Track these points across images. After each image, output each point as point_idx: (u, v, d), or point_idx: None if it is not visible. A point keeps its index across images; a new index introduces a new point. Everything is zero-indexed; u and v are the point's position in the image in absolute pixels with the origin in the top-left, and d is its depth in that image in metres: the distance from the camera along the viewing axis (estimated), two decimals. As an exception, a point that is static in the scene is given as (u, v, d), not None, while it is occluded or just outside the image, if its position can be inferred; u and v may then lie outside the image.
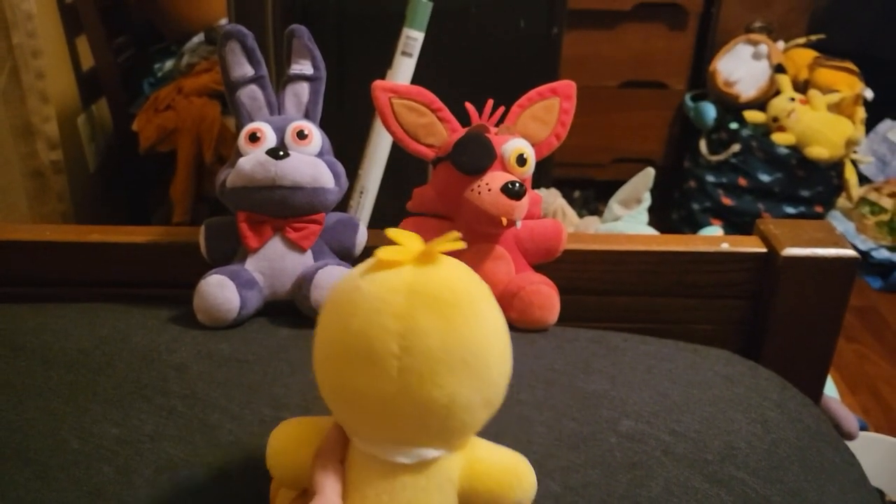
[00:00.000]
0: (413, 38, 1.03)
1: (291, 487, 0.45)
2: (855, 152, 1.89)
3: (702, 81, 2.01)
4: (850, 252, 0.71)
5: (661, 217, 2.06)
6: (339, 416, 0.41)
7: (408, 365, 0.36)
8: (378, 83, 0.72)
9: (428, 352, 0.36)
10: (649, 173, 1.07)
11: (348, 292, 0.38)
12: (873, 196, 1.98)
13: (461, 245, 0.39)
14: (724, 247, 0.75)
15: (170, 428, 0.57)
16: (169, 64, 1.71)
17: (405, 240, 0.39)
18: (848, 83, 1.90)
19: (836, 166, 1.87)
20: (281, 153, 0.68)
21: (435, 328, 0.36)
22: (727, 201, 1.92)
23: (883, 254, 1.86)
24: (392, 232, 0.39)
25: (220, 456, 0.55)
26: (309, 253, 0.70)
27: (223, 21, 1.64)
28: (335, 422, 0.42)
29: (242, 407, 0.59)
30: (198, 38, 1.66)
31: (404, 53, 1.04)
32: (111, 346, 0.65)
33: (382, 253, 0.38)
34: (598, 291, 0.76)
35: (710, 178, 1.93)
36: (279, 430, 0.44)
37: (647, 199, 1.08)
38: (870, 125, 2.02)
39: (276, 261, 0.70)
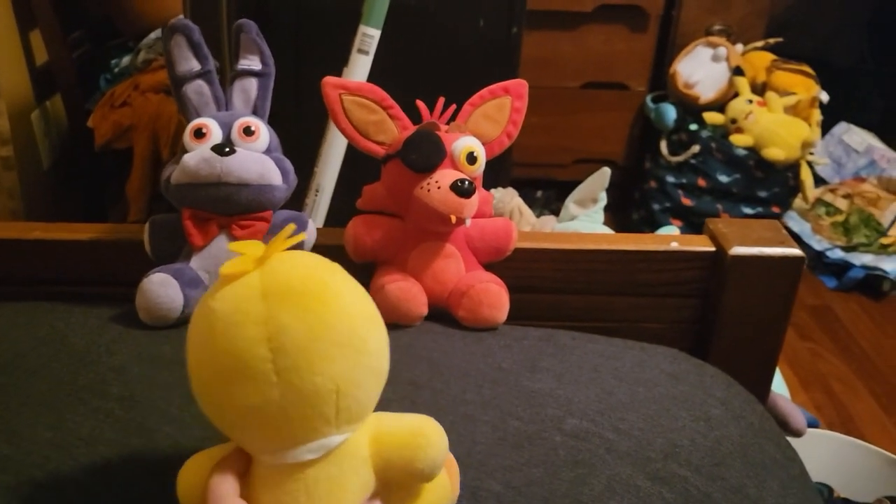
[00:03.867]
0: (369, 35, 1.03)
1: None
2: (811, 154, 1.92)
3: (662, 83, 2.03)
4: (797, 251, 0.72)
5: (621, 217, 2.07)
6: (234, 436, 0.40)
7: (283, 365, 0.36)
8: (328, 79, 0.72)
9: (298, 345, 0.37)
10: (605, 173, 1.07)
11: (204, 317, 0.38)
12: (829, 197, 2.01)
13: (300, 237, 0.40)
14: (674, 246, 0.75)
15: (106, 431, 0.56)
16: (125, 60, 1.68)
17: (245, 248, 0.39)
18: (804, 86, 1.93)
19: (793, 168, 1.90)
20: (227, 149, 0.67)
21: (297, 320, 0.37)
22: (687, 202, 1.94)
23: (837, 254, 1.89)
24: (232, 245, 0.40)
25: (158, 459, 0.54)
26: (255, 251, 0.69)
27: (181, 17, 1.61)
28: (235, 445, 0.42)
29: (183, 410, 0.58)
30: (155, 34, 1.63)
31: (360, 51, 1.03)
32: (48, 347, 0.64)
33: (225, 268, 0.38)
34: (549, 290, 0.76)
35: (670, 179, 1.95)
36: (186, 468, 0.43)
37: (602, 199, 1.09)
38: (825, 128, 2.05)
39: (221, 259, 0.69)
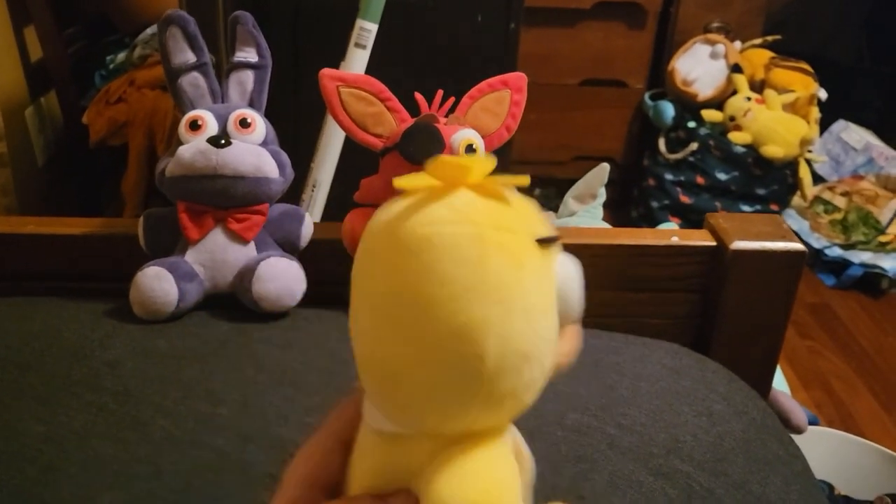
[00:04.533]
0: (367, 29, 1.02)
1: None
2: (809, 151, 1.91)
3: (661, 80, 2.03)
4: (798, 245, 0.71)
5: (620, 214, 2.07)
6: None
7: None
8: (326, 71, 0.71)
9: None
10: (604, 169, 1.07)
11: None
12: (827, 195, 2.01)
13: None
14: (674, 240, 0.74)
15: (99, 425, 0.55)
16: (121, 56, 1.67)
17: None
18: (803, 83, 1.92)
19: (791, 165, 1.89)
20: (222, 141, 0.66)
21: None
22: (685, 199, 1.93)
23: (836, 252, 1.89)
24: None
25: (152, 452, 0.53)
26: (252, 244, 0.68)
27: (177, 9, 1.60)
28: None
29: (177, 403, 0.57)
30: (151, 30, 1.62)
31: (358, 45, 1.02)
32: (41, 342, 0.63)
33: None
34: (549, 285, 0.75)
35: (669, 177, 1.94)
36: None
37: (601, 195, 1.08)
38: (824, 125, 2.05)
39: (217, 252, 0.68)
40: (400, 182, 0.31)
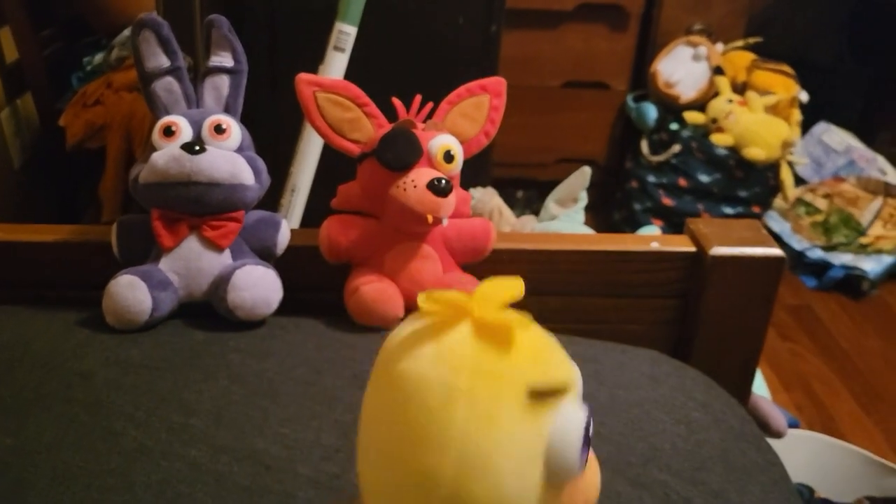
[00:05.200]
0: (346, 32, 1.01)
1: None
2: (791, 154, 1.92)
3: (643, 82, 2.03)
4: (777, 251, 0.71)
5: (602, 217, 2.07)
6: None
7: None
8: (302, 76, 0.70)
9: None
10: (585, 172, 1.06)
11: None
12: (808, 197, 2.02)
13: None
14: (654, 246, 0.74)
15: (70, 437, 0.54)
16: (98, 57, 1.65)
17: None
18: (784, 86, 1.93)
19: (773, 167, 1.90)
20: (197, 148, 0.65)
21: None
22: (667, 202, 1.94)
23: (817, 253, 1.90)
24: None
25: (123, 463, 0.52)
26: (227, 252, 0.68)
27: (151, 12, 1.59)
28: None
29: (150, 414, 0.56)
30: (128, 31, 1.59)
31: (336, 48, 1.01)
32: (11, 353, 0.62)
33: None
34: (528, 291, 0.74)
35: (651, 179, 1.95)
36: None
37: (583, 199, 1.08)
38: (805, 127, 2.06)
39: (192, 260, 0.67)
40: (422, 303, 0.30)
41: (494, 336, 0.30)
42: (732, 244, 0.72)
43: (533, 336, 0.31)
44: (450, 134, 0.69)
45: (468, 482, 0.28)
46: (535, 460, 0.29)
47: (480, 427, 0.29)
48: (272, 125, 1.01)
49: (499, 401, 0.29)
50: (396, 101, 0.71)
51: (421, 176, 0.65)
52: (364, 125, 0.70)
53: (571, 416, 0.30)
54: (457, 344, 0.30)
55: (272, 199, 0.94)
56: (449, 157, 0.67)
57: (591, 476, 0.33)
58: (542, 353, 0.31)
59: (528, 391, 0.29)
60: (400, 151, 0.66)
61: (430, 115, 0.71)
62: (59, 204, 1.74)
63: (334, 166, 0.84)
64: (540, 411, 0.29)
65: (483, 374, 0.29)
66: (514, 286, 0.30)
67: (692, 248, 0.74)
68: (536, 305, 0.77)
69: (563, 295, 0.75)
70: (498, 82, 0.74)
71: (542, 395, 0.29)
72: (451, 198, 0.66)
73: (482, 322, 0.30)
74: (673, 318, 0.76)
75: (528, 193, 2.04)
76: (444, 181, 0.65)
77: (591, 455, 0.33)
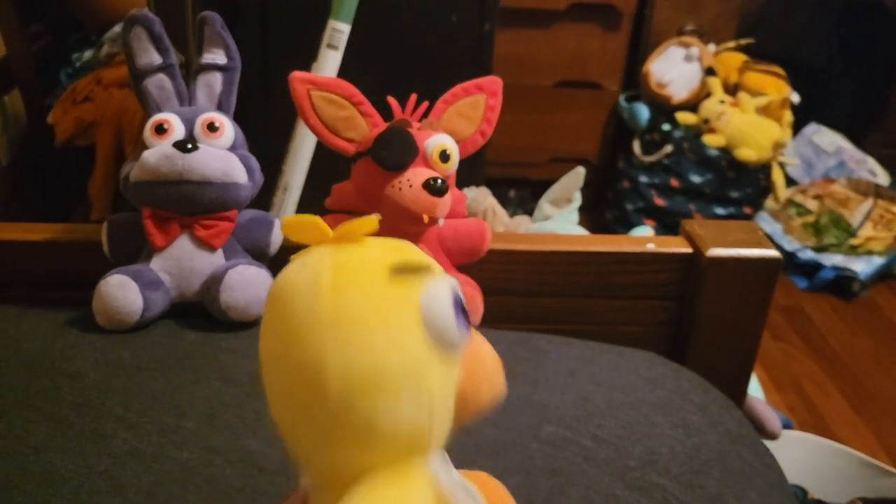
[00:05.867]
0: (339, 30, 1.00)
1: None
2: (782, 154, 1.93)
3: (635, 82, 2.03)
4: (773, 252, 0.71)
5: (595, 217, 2.07)
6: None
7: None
8: (296, 74, 0.69)
9: None
10: (579, 173, 1.06)
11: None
12: (799, 198, 2.02)
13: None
14: (650, 247, 0.74)
15: (58, 439, 0.53)
16: (88, 53, 1.63)
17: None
18: (775, 87, 1.93)
19: (764, 168, 1.90)
20: (189, 146, 0.64)
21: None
22: (659, 202, 1.94)
23: (808, 254, 1.90)
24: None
25: (113, 466, 0.52)
26: (219, 252, 0.67)
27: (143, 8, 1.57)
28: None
29: (141, 415, 0.56)
30: (118, 27, 1.58)
31: (330, 46, 1.00)
32: (-1, 353, 0.61)
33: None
34: (524, 292, 0.75)
35: (643, 179, 1.95)
36: None
37: (577, 199, 1.07)
38: (796, 128, 2.06)
39: (183, 260, 0.66)
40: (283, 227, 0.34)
41: (350, 239, 0.33)
42: (729, 245, 0.72)
43: (381, 241, 0.35)
44: (445, 133, 0.69)
45: (350, 356, 0.30)
46: (411, 329, 0.32)
47: (350, 304, 0.31)
48: (264, 123, 1.01)
49: (362, 281, 0.32)
50: (392, 100, 0.70)
51: (417, 175, 0.64)
52: (359, 124, 0.69)
53: (438, 284, 0.33)
54: (317, 252, 0.33)
55: (264, 197, 0.93)
56: (445, 156, 0.67)
57: (483, 348, 0.36)
58: (395, 247, 0.34)
59: (390, 270, 0.32)
60: (395, 151, 0.66)
61: (425, 115, 0.70)
62: (48, 202, 1.72)
63: (327, 164, 0.83)
64: (405, 285, 0.32)
65: (344, 265, 0.32)
66: (369, 221, 0.34)
67: (688, 250, 0.73)
68: (533, 306, 0.77)
69: (558, 296, 0.75)
70: (494, 81, 0.73)
71: (404, 272, 0.32)
72: (447, 197, 0.65)
73: (338, 233, 0.33)
74: (669, 319, 0.76)
75: (520, 193, 2.04)
76: (439, 181, 0.64)
77: (478, 335, 0.36)
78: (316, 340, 0.31)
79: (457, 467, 0.52)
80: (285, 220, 0.34)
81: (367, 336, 0.31)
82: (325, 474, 0.33)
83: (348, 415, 0.31)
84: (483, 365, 0.36)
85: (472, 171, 1.26)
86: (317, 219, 0.34)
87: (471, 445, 0.54)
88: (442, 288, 0.33)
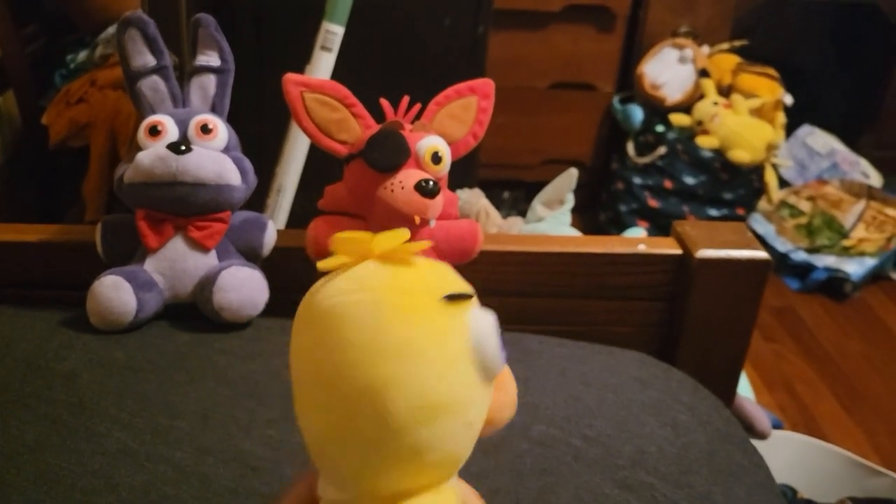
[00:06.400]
0: (333, 32, 1.00)
1: None
2: (775, 156, 1.93)
3: (629, 84, 2.03)
4: (762, 254, 0.72)
5: (588, 218, 2.07)
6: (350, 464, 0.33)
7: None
8: (289, 76, 0.70)
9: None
10: (572, 174, 1.07)
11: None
12: (792, 199, 2.03)
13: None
14: (641, 248, 0.74)
15: (52, 438, 0.54)
16: (82, 55, 1.63)
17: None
18: (769, 89, 1.94)
19: (758, 170, 1.91)
20: (183, 147, 0.64)
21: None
22: (653, 203, 1.95)
23: (801, 256, 1.91)
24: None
25: (106, 465, 0.52)
26: (213, 253, 0.67)
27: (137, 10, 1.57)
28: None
29: (134, 415, 0.56)
30: (112, 29, 1.59)
31: (324, 48, 1.01)
32: (-7, 353, 0.61)
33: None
34: (516, 293, 0.75)
35: (637, 180, 1.95)
36: None
37: (570, 201, 1.08)
38: (789, 130, 2.07)
39: (177, 261, 0.66)
40: (320, 265, 0.34)
41: (398, 261, 0.33)
42: (718, 247, 0.72)
43: (427, 262, 0.35)
44: (437, 135, 0.69)
45: (416, 387, 0.31)
46: (463, 356, 0.32)
47: (413, 332, 0.31)
48: (257, 124, 1.01)
49: (420, 306, 0.32)
50: (384, 102, 0.70)
51: (409, 177, 0.65)
52: (351, 126, 0.70)
53: (483, 315, 0.33)
54: (368, 274, 0.33)
55: (258, 199, 0.94)
56: (437, 158, 0.67)
57: (508, 374, 0.37)
58: (441, 271, 0.34)
59: (442, 297, 0.32)
60: (387, 152, 0.66)
61: (417, 117, 0.71)
62: (41, 203, 1.73)
63: (320, 166, 0.83)
64: (456, 314, 0.32)
65: (400, 291, 0.32)
66: (403, 233, 0.34)
67: (679, 251, 0.74)
68: (524, 307, 0.77)
69: (550, 297, 0.75)
70: (486, 84, 0.74)
71: (454, 300, 0.33)
72: (439, 199, 0.65)
73: (384, 252, 0.33)
74: (659, 320, 0.76)
75: (514, 194, 2.04)
76: (431, 182, 0.64)
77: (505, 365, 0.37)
78: (380, 369, 0.31)
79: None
80: (337, 235, 0.33)
81: (429, 366, 0.31)
82: (362, 492, 0.34)
83: (406, 441, 0.31)
84: (507, 391, 0.37)
85: (465, 172, 1.27)
86: (368, 235, 0.33)
87: (462, 445, 0.55)
88: (488, 318, 0.33)
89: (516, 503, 0.51)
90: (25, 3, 1.61)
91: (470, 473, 0.52)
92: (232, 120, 0.71)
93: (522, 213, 1.28)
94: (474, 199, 1.15)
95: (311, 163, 1.02)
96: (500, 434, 0.56)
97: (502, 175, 2.04)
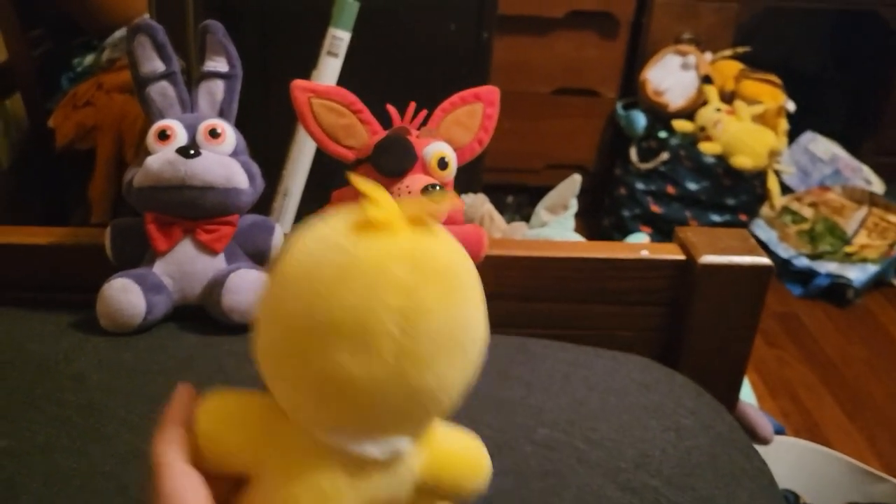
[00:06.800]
0: (339, 38, 1.01)
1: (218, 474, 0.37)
2: (777, 162, 1.94)
3: (633, 90, 2.04)
4: (765, 260, 0.72)
5: (591, 223, 2.08)
6: (297, 401, 0.34)
7: (407, 348, 0.32)
8: (297, 82, 0.70)
9: (430, 334, 0.32)
10: (576, 180, 1.07)
11: (334, 259, 0.32)
12: (795, 205, 2.04)
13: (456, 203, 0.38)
14: (644, 254, 0.75)
15: (62, 439, 0.54)
16: (89, 58, 1.64)
17: (384, 197, 0.33)
18: (771, 95, 1.95)
19: (760, 176, 1.92)
20: (191, 152, 0.65)
21: (439, 307, 0.32)
22: (656, 209, 1.95)
23: (803, 262, 1.91)
24: (360, 182, 0.34)
25: (116, 466, 0.53)
26: (221, 256, 0.68)
27: (146, 16, 1.58)
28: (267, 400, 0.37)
29: (143, 417, 0.56)
30: (120, 33, 1.60)
31: (330, 53, 1.02)
32: (4, 355, 0.62)
33: (374, 212, 0.32)
34: (520, 298, 0.76)
35: (640, 186, 1.96)
36: (209, 407, 0.38)
37: (573, 206, 1.09)
38: (791, 137, 2.08)
39: (186, 264, 0.67)
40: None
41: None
42: (721, 253, 0.73)
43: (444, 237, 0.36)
44: (444, 141, 0.70)
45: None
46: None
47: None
48: (263, 129, 1.02)
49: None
50: (391, 108, 0.71)
51: (415, 182, 0.66)
52: (358, 131, 0.70)
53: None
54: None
55: (264, 202, 0.94)
56: (443, 163, 0.68)
57: None
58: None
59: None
60: (395, 158, 0.67)
61: (424, 123, 0.72)
62: (47, 205, 1.73)
63: (325, 170, 0.84)
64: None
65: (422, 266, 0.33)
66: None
67: (681, 257, 0.74)
68: (528, 311, 0.78)
69: (554, 301, 0.76)
70: (491, 91, 0.75)
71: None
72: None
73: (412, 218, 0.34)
74: (662, 325, 0.77)
75: (517, 199, 2.05)
76: (438, 188, 0.65)
77: None
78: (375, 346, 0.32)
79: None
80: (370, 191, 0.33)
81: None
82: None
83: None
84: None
85: (469, 177, 1.28)
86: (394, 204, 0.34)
87: (467, 447, 0.55)
88: None
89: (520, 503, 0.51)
90: (33, 7, 1.62)
91: (475, 475, 0.53)
92: (238, 124, 0.72)
93: (525, 218, 1.29)
94: (478, 203, 1.16)
95: (317, 167, 1.02)
96: (505, 437, 0.57)
97: (505, 179, 2.05)
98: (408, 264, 0.32)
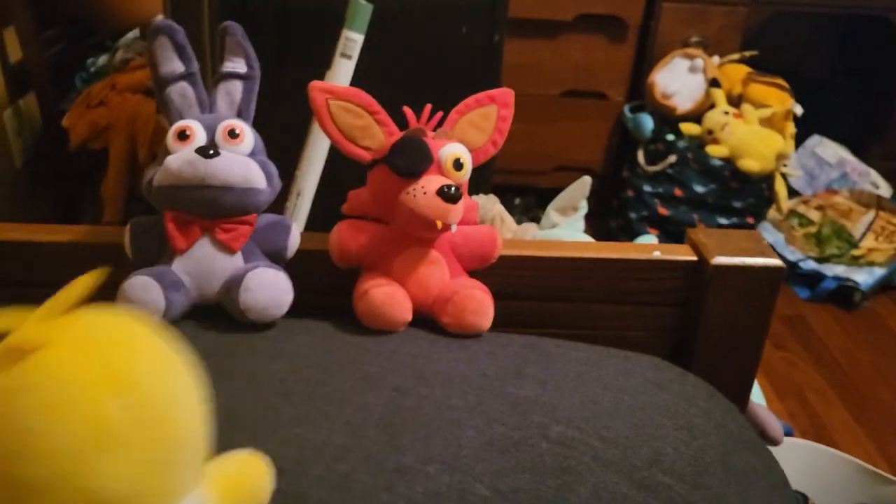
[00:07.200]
0: (352, 39, 1.02)
1: None
2: (785, 166, 1.95)
3: (640, 93, 2.05)
4: (776, 261, 0.73)
5: (599, 225, 2.09)
6: None
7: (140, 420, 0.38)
8: (315, 83, 0.71)
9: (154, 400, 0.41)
10: (586, 182, 1.08)
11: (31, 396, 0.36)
12: (802, 209, 2.05)
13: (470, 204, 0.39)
14: (656, 255, 0.76)
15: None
16: (102, 59, 1.66)
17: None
18: (779, 99, 1.95)
19: (767, 179, 1.92)
20: (211, 152, 0.66)
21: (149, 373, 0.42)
22: (663, 211, 1.96)
23: (810, 265, 1.92)
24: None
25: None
26: (239, 255, 0.69)
27: (160, 17, 1.60)
28: None
29: (164, 413, 0.57)
30: (133, 34, 1.62)
31: (343, 55, 1.03)
32: (26, 350, 0.62)
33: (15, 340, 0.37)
34: (533, 297, 0.77)
35: (647, 188, 1.97)
36: None
37: (583, 207, 1.10)
38: (799, 140, 2.08)
39: (204, 262, 0.68)
40: None
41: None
42: (733, 254, 0.73)
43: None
44: (459, 143, 0.71)
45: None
46: None
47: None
48: (277, 129, 1.02)
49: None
50: (407, 110, 0.72)
51: (431, 183, 0.66)
52: (375, 132, 0.71)
53: None
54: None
55: (278, 201, 0.95)
56: (458, 164, 0.69)
57: None
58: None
59: None
60: (411, 158, 0.68)
61: (439, 124, 0.72)
62: (60, 203, 1.75)
63: (339, 170, 0.85)
64: None
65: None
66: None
67: (693, 258, 0.75)
68: (541, 311, 0.79)
69: (566, 301, 0.77)
70: (505, 93, 0.76)
71: None
72: (461, 205, 0.67)
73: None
74: (673, 325, 0.78)
75: (526, 200, 2.06)
76: (453, 188, 0.66)
77: None
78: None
79: (471, 462, 0.54)
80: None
81: None
82: None
83: None
84: None
85: (480, 178, 1.28)
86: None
87: (482, 443, 0.56)
88: None
89: (536, 500, 0.52)
90: (47, 8, 1.64)
91: (490, 471, 0.53)
92: (253, 124, 0.72)
93: (533, 219, 1.29)
94: (489, 204, 1.17)
95: (330, 167, 1.03)
96: (520, 434, 0.57)
97: (515, 181, 2.05)
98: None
